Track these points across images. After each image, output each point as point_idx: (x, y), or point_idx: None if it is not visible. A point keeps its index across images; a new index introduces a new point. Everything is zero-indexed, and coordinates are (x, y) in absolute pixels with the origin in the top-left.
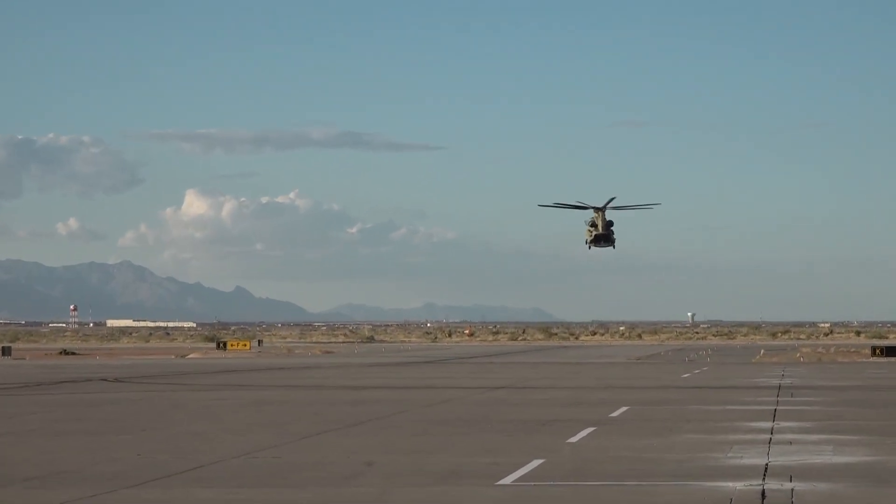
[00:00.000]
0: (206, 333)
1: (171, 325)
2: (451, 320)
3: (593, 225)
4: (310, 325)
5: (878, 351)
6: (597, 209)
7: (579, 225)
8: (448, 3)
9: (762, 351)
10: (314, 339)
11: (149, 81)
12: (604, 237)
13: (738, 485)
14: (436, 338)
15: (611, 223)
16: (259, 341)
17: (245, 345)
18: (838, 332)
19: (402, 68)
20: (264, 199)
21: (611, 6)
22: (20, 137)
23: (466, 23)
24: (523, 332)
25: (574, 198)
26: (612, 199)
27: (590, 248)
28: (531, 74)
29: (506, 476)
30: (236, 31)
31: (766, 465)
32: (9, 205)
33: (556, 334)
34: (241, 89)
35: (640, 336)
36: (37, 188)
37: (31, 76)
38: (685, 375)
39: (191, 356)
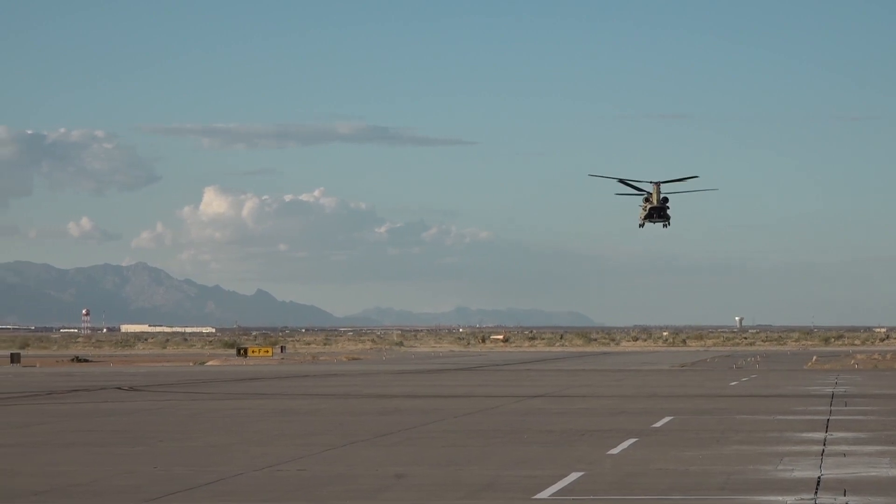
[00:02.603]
0: (226, 339)
1: (188, 330)
2: (484, 325)
3: (647, 200)
4: (335, 330)
5: None
6: (654, 182)
7: (620, 222)
8: None
9: (814, 357)
10: (340, 346)
11: (165, 73)
12: (658, 210)
13: (789, 499)
14: (468, 343)
15: (666, 199)
16: (282, 347)
17: (267, 351)
18: (895, 337)
19: (432, 60)
20: (288, 198)
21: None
22: (30, 132)
23: (499, 15)
24: (561, 338)
25: (614, 196)
26: (692, 178)
27: (642, 224)
28: (566, 67)
29: (543, 490)
30: (257, 21)
31: (819, 478)
32: (18, 203)
33: (595, 340)
34: (262, 81)
35: (684, 342)
36: (47, 186)
37: (40, 67)
38: (733, 383)
39: (210, 363)
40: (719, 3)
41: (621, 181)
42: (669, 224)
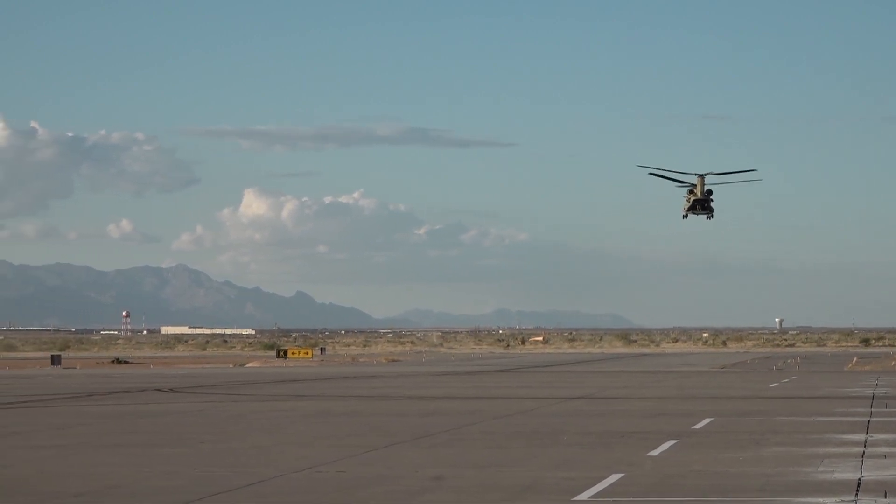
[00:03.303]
0: (266, 341)
1: (228, 332)
2: (523, 327)
3: (691, 191)
4: (375, 331)
5: None
6: (698, 175)
7: (659, 223)
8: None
9: (855, 359)
10: (379, 347)
11: (205, 75)
12: (702, 202)
13: (830, 501)
14: (508, 345)
15: (710, 191)
16: (321, 349)
17: (307, 353)
18: None
19: (472, 62)
20: (327, 199)
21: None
22: (70, 135)
23: (538, 16)
24: (600, 339)
25: (653, 197)
26: (730, 173)
27: (686, 216)
28: (606, 68)
29: (583, 491)
30: (296, 22)
31: (860, 479)
32: (58, 205)
33: (635, 341)
34: (302, 83)
35: (724, 343)
36: (87, 188)
37: (81, 71)
38: (773, 385)
39: (250, 365)
40: (757, 7)
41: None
42: (712, 216)
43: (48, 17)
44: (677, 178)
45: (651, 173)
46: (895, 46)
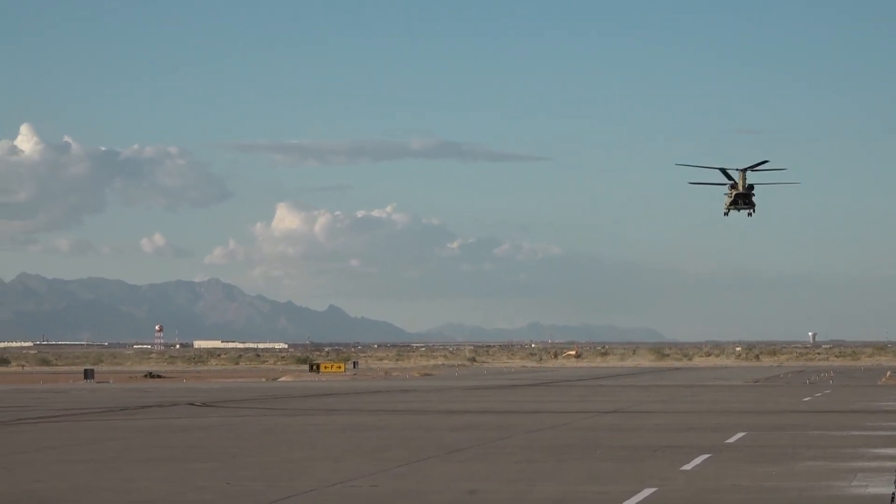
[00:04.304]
0: (299, 355)
1: (261, 346)
2: (556, 341)
3: (733, 186)
4: (408, 346)
5: None
6: (740, 170)
7: (693, 236)
8: (551, 11)
9: (888, 373)
10: (412, 361)
11: (238, 90)
12: (744, 196)
13: None
14: (541, 359)
15: (752, 186)
16: (354, 363)
17: (339, 367)
18: None
19: (504, 76)
20: (360, 213)
21: (715, 14)
22: (103, 149)
23: (570, 33)
24: (633, 353)
25: (686, 210)
26: (765, 161)
27: (727, 213)
28: (638, 82)
29: None
30: (329, 37)
31: (893, 494)
32: (92, 220)
33: (668, 355)
34: (334, 98)
35: (757, 357)
36: (120, 202)
37: (114, 86)
38: (806, 399)
39: (282, 379)
40: (790, 21)
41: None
42: (754, 212)
43: (81, 33)
44: (716, 171)
45: (691, 183)
46: None
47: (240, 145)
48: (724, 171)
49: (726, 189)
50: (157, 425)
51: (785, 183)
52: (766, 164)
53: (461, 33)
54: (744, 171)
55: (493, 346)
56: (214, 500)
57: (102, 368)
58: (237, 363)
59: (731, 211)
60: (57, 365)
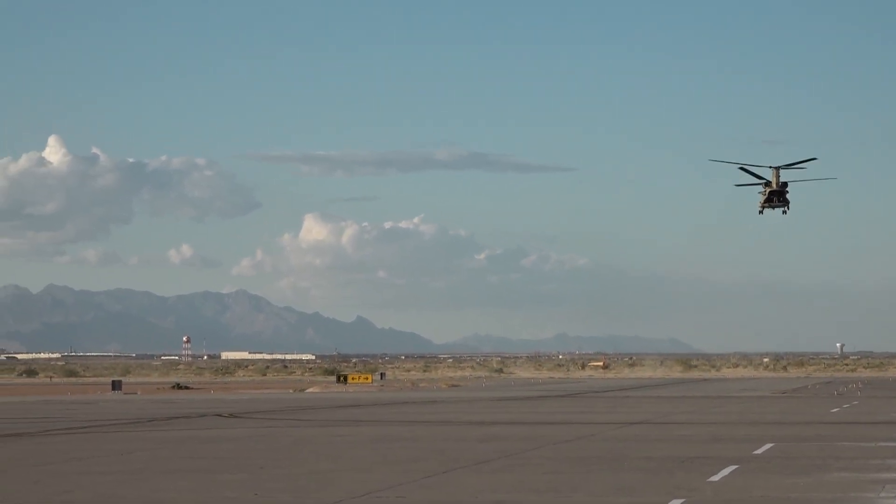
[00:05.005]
0: (326, 366)
1: (288, 357)
2: (584, 352)
3: (767, 184)
4: (435, 357)
5: None
6: (773, 168)
7: (718, 247)
8: (579, 22)
9: None
10: (439, 372)
11: (265, 100)
12: (778, 194)
13: None
14: (568, 370)
15: (786, 184)
16: (381, 374)
17: (367, 378)
18: None
19: (531, 86)
20: (387, 225)
21: (742, 25)
22: (131, 160)
23: (596, 43)
24: (661, 364)
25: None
26: (812, 159)
27: (761, 211)
28: (665, 93)
29: None
30: (357, 49)
31: None
32: (119, 231)
33: (695, 366)
34: (361, 109)
35: (785, 368)
36: (148, 213)
37: (142, 97)
38: (834, 410)
39: (310, 390)
40: (815, 32)
41: (742, 168)
42: (788, 209)
43: (109, 45)
44: (751, 170)
45: (737, 185)
46: None
47: (267, 156)
48: (744, 168)
49: (760, 187)
50: (185, 436)
51: (820, 179)
52: (807, 162)
53: (488, 44)
54: (777, 168)
55: (520, 357)
56: None
57: (130, 380)
58: (264, 374)
59: (766, 209)
60: (84, 376)
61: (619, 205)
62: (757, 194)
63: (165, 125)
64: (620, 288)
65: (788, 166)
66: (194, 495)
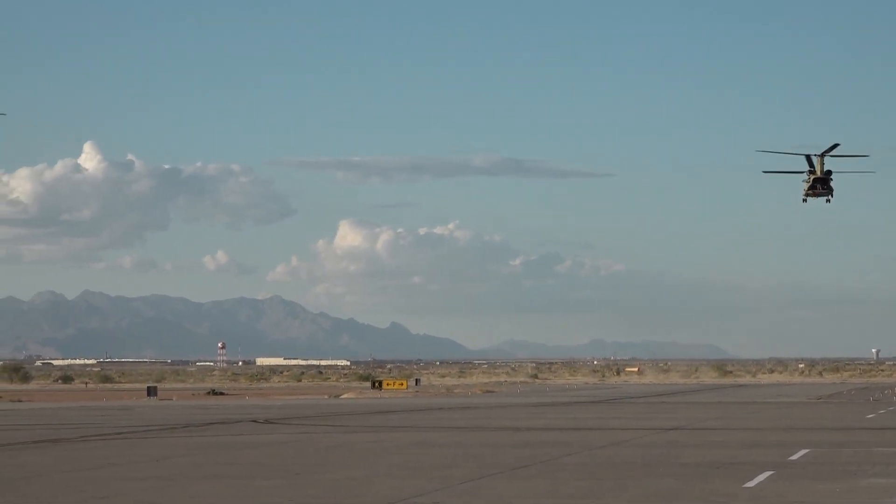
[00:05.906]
0: (361, 372)
1: (323, 363)
2: (619, 357)
3: (811, 171)
4: (470, 362)
5: None
6: (818, 155)
7: (754, 253)
8: (613, 30)
9: None
10: (474, 378)
11: (300, 107)
12: (822, 181)
13: None
14: (603, 376)
15: (830, 171)
16: (416, 380)
17: (402, 384)
18: None
19: (566, 92)
20: (422, 231)
21: (781, 31)
22: (166, 167)
23: (633, 48)
24: (696, 370)
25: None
26: (836, 145)
27: (805, 199)
28: (702, 99)
29: None
30: (390, 55)
31: None
32: (154, 237)
33: (731, 372)
34: (397, 115)
35: (820, 374)
36: (183, 219)
37: (177, 103)
38: (870, 416)
39: (345, 396)
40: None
41: (805, 157)
42: (832, 197)
43: (144, 52)
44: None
45: (766, 171)
46: None
47: (303, 162)
48: (808, 157)
49: (804, 176)
50: (221, 442)
51: (860, 172)
52: (838, 147)
53: (523, 50)
54: (822, 155)
55: (556, 362)
56: None
57: (165, 385)
58: (300, 380)
59: (809, 197)
60: (120, 382)
61: (655, 211)
62: (801, 182)
63: (201, 131)
64: (656, 294)
65: (828, 153)
66: (231, 501)
